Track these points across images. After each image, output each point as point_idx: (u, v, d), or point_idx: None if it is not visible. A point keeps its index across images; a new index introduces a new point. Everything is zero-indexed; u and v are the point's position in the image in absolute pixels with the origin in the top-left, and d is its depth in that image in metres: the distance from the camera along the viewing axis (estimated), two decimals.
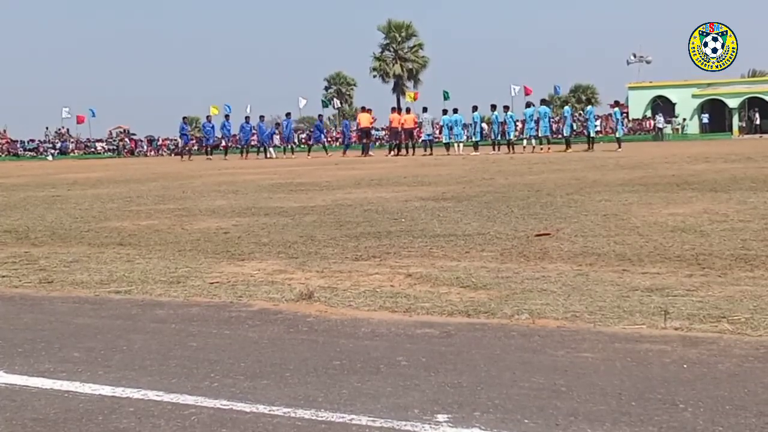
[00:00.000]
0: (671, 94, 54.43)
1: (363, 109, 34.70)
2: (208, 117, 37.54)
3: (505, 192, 11.27)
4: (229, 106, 46.02)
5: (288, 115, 36.90)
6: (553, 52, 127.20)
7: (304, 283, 5.13)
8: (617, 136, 30.28)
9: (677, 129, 52.25)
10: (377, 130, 40.09)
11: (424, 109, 32.58)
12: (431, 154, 30.67)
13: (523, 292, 4.67)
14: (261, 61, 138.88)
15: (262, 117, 36.68)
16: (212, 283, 5.28)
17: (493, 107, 31.43)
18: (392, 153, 31.51)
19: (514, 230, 7.28)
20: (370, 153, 32.22)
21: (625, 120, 52.85)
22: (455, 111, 31.89)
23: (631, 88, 55.69)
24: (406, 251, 6.37)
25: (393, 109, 35.03)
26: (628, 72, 78.43)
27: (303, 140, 50.95)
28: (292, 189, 13.39)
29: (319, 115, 37.32)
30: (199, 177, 18.56)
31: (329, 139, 58.06)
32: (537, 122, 30.46)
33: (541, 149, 29.17)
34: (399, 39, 68.58)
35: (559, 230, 7.14)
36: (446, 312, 4.26)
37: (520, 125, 35.42)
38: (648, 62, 57.82)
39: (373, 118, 33.75)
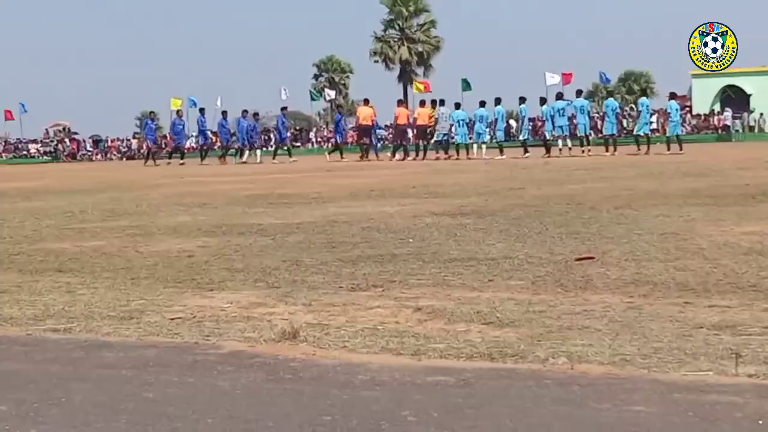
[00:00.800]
0: (746, 84, 54.51)
1: (365, 102, 34.86)
2: (178, 112, 37.71)
3: (538, 205, 11.29)
4: (194, 100, 46.28)
5: (283, 109, 37.05)
6: (598, 30, 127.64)
7: (288, 319, 5.13)
8: (668, 135, 30.35)
9: (752, 126, 52.30)
10: (380, 127, 40.07)
11: (441, 102, 32.57)
12: (450, 157, 30.70)
13: (560, 330, 4.67)
14: (232, 43, 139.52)
15: (244, 112, 36.91)
16: (173, 320, 5.28)
17: (522, 99, 31.44)
18: (397, 157, 31.57)
19: (550, 253, 7.29)
20: (374, 155, 32.25)
21: (687, 115, 53.00)
22: (482, 104, 31.87)
23: (695, 76, 55.74)
24: (415, 279, 6.37)
25: (399, 102, 35.13)
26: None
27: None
28: (273, 202, 13.41)
29: (282, 108, 37.20)
30: (158, 187, 18.62)
31: (320, 139, 58.41)
32: (571, 119, 30.50)
33: (582, 151, 29.22)
34: (406, 15, 68.90)
35: (605, 253, 7.14)
36: (464, 355, 4.26)
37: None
38: None
39: (374, 113, 33.75)
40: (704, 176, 15.65)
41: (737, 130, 50.56)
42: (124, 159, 57.92)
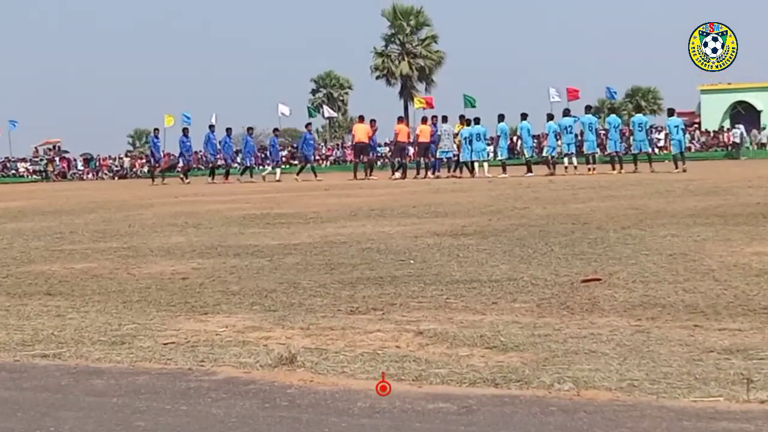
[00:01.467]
0: (756, 100, 54.69)
1: (360, 119, 34.92)
2: (185, 130, 37.62)
3: (543, 225, 11.30)
4: (188, 116, 46.31)
5: (275, 131, 37.38)
6: (605, 45, 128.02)
7: (285, 343, 5.12)
8: (672, 153, 30.41)
9: (763, 143, 52.36)
10: (379, 145, 40.12)
11: (444, 119, 32.62)
12: (456, 175, 30.71)
13: (565, 354, 4.67)
14: (226, 57, 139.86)
15: (250, 129, 37.07)
16: (166, 344, 5.28)
17: (524, 116, 31.48)
18: (397, 175, 31.60)
19: (555, 274, 7.29)
20: (371, 176, 32.30)
21: (696, 132, 53.08)
22: (476, 121, 31.95)
23: (703, 92, 55.94)
24: (416, 302, 6.37)
25: (400, 119, 35.13)
26: (699, 71, 78.70)
27: (285, 158, 51.20)
28: (270, 222, 13.42)
29: (307, 125, 37.54)
30: (151, 207, 18.62)
31: (318, 157, 58.49)
32: (578, 135, 30.52)
33: (588, 170, 29.25)
34: (407, 29, 69.11)
35: (612, 275, 7.14)
36: (467, 381, 4.26)
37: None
38: None
39: (372, 129, 33.78)
40: (713, 195, 15.65)
41: (747, 147, 50.58)
42: (116, 178, 57.97)
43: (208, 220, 14.12)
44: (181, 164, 37.25)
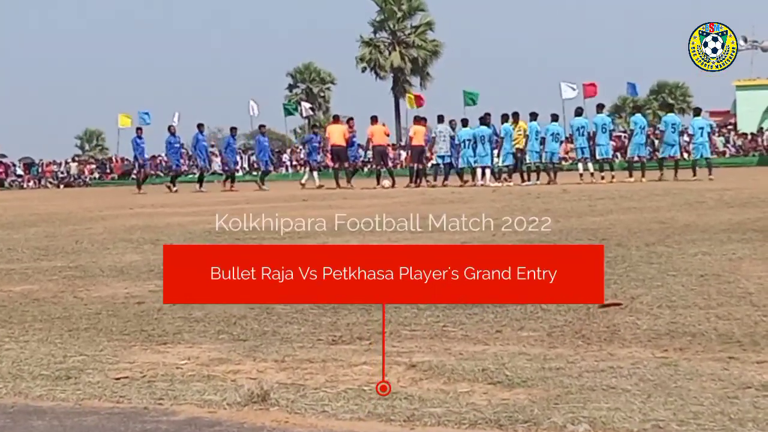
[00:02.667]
0: None
1: (335, 120, 34.90)
2: (138, 129, 37.50)
3: (555, 241, 11.29)
4: (146, 115, 46.25)
5: (233, 130, 37.23)
6: (626, 34, 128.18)
7: (256, 378, 5.11)
8: (695, 157, 30.47)
9: None
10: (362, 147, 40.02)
11: (440, 119, 32.66)
12: (465, 182, 30.68)
13: (581, 391, 4.67)
14: (189, 48, 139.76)
15: (262, 127, 37.04)
16: (118, 379, 5.26)
17: (533, 116, 31.51)
18: (385, 183, 31.62)
19: None
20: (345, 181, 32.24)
21: (732, 134, 53.22)
22: (482, 121, 31.93)
23: (739, 88, 56.11)
24: (409, 329, 6.37)
25: (373, 120, 34.79)
26: (734, 65, 79.11)
27: (253, 163, 51.24)
28: (239, 238, 13.39)
29: (260, 126, 37.32)
30: (102, 219, 18.56)
31: (295, 162, 58.48)
32: (592, 138, 30.59)
33: (602, 178, 29.33)
34: (398, 15, 69.32)
35: (634, 299, 7.15)
36: (467, 421, 4.25)
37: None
38: (765, 50, 58.40)
39: (350, 130, 33.80)
40: (751, 206, 15.68)
41: None
42: (62, 186, 57.86)
43: (167, 235, 14.08)
44: (135, 170, 37.23)
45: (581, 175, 29.89)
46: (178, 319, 7.05)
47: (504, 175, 31.15)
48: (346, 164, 33.17)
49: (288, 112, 60.25)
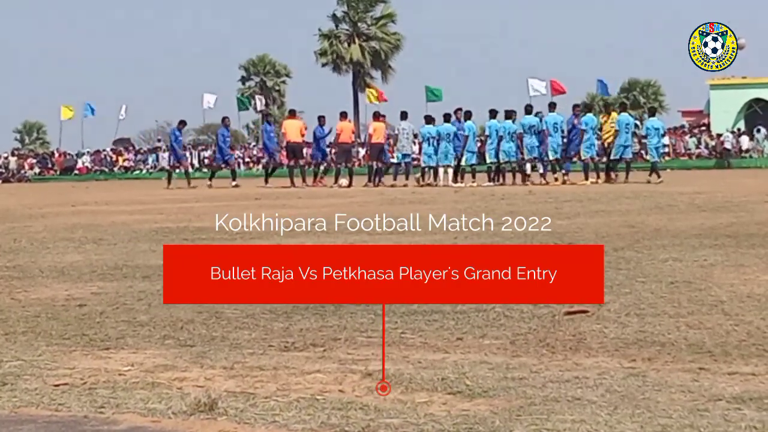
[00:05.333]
0: None
1: (291, 114, 34.85)
2: (224, 120, 36.79)
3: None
4: (91, 107, 46.04)
5: (181, 123, 36.91)
6: (595, 31, 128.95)
7: (203, 386, 5.10)
8: (651, 160, 30.91)
9: None
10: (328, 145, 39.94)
11: (403, 115, 32.67)
12: (429, 183, 30.66)
13: (544, 402, 4.68)
14: (136, 38, 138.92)
15: (268, 116, 36.83)
16: (57, 386, 5.21)
17: (493, 113, 31.47)
18: (342, 182, 31.57)
19: (533, 305, 7.29)
20: (320, 182, 32.19)
21: (704, 136, 53.62)
22: (446, 118, 31.91)
23: (714, 87, 56.42)
24: (365, 337, 6.35)
25: (342, 115, 34.94)
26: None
27: (207, 159, 51.05)
28: (188, 238, 13.34)
29: (224, 118, 36.87)
30: (42, 217, 18.44)
31: (248, 159, 58.36)
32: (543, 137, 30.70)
33: (555, 179, 29.49)
34: (358, 7, 69.39)
35: (602, 306, 7.17)
36: None
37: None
38: (740, 47, 58.82)
39: (304, 126, 33.75)
40: (724, 211, 15.81)
41: (752, 156, 51.08)
42: (0, 182, 57.33)
43: (111, 235, 14.01)
44: (171, 163, 36.69)
45: (528, 175, 30.06)
46: (121, 323, 7.01)
47: (467, 176, 31.24)
48: (302, 161, 33.13)
49: (243, 105, 60.05)
